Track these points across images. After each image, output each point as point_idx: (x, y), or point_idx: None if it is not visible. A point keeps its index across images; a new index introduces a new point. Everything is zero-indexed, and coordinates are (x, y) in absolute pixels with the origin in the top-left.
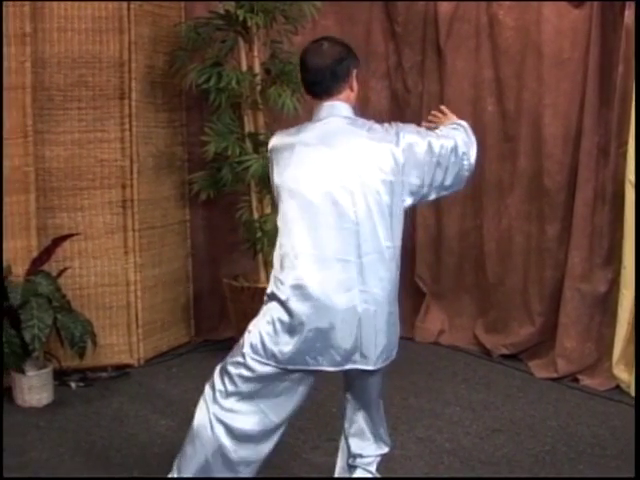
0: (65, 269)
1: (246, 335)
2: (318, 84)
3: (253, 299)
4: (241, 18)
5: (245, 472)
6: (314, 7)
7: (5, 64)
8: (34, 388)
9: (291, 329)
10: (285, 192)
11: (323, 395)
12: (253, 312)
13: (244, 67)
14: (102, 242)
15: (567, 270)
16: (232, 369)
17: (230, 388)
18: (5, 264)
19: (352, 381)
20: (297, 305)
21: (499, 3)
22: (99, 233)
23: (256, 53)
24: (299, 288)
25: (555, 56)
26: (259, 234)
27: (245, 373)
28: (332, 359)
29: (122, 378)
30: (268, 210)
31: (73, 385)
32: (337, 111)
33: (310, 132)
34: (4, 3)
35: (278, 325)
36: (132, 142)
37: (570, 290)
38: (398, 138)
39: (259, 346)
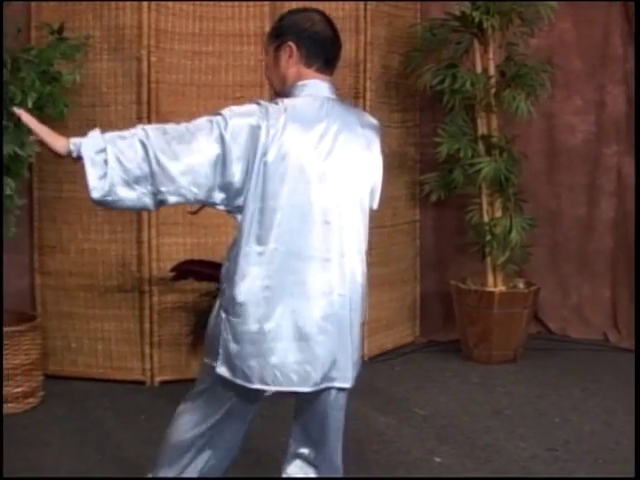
0: None
1: None
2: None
3: (480, 302)
4: (477, 20)
5: None
6: (550, 8)
7: (244, 62)
8: None
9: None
10: None
11: (546, 403)
12: (479, 315)
13: (479, 69)
14: None
15: None
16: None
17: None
18: None
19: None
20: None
21: None
22: None
23: (491, 55)
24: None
25: None
26: (488, 237)
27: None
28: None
29: None
30: (499, 213)
31: None
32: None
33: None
34: (245, 3)
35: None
36: None
37: None
38: None
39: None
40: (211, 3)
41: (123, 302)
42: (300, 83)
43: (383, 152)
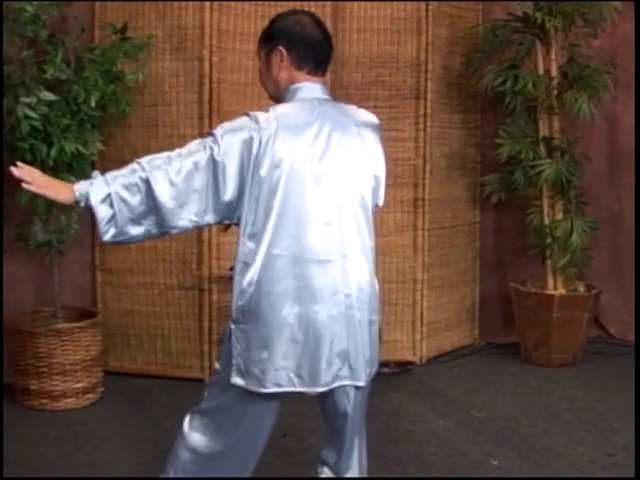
0: None
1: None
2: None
3: (539, 305)
4: (539, 21)
5: None
6: (613, 8)
7: None
8: None
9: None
10: None
11: (605, 408)
12: (538, 318)
13: (541, 70)
14: (392, 239)
15: None
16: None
17: None
18: None
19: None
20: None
21: None
22: (389, 230)
23: (553, 56)
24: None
25: None
26: (549, 240)
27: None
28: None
29: (403, 375)
30: (560, 216)
31: None
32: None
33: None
34: (306, 4)
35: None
36: (426, 142)
37: None
38: None
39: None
40: (273, 3)
41: (183, 300)
42: (293, 87)
43: (444, 155)
